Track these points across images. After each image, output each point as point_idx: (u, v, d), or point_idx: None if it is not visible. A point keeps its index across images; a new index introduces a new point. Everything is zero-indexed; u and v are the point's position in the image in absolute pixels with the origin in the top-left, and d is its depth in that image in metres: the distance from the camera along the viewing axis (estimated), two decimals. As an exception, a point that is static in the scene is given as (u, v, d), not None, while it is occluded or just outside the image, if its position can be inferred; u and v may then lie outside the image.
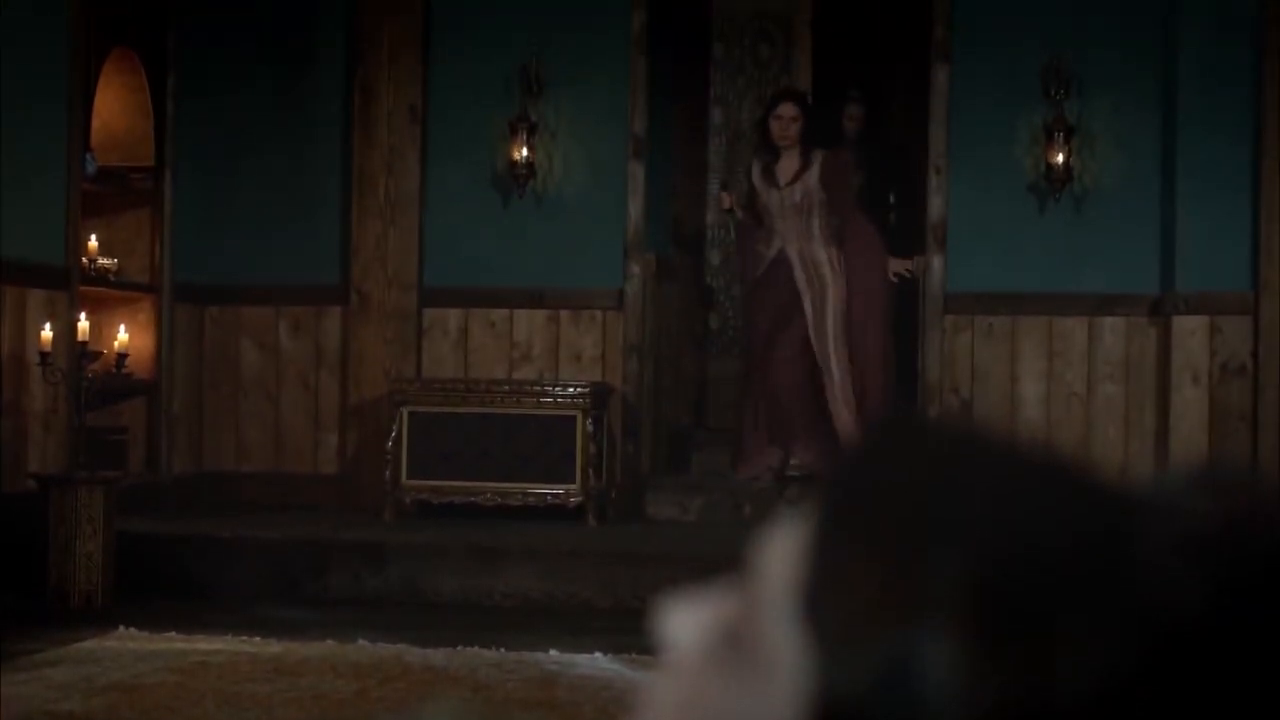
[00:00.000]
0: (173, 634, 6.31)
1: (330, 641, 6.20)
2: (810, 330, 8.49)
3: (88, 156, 8.06)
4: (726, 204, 8.83)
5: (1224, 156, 8.41)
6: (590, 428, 8.34)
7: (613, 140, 8.92)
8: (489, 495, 8.37)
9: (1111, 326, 8.69)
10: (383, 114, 8.98)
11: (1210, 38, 8.44)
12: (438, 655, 6.02)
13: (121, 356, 7.77)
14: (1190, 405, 8.49)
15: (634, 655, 6.00)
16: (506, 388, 8.57)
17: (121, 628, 6.38)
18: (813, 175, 8.52)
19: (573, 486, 8.32)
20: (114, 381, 7.93)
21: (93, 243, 8.27)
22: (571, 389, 8.43)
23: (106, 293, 8.42)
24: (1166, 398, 8.53)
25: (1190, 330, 8.50)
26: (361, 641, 6.19)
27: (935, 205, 8.82)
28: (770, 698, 0.64)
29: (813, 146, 8.56)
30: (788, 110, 8.52)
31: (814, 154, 8.56)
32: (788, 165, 8.55)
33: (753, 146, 9.01)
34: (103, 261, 8.34)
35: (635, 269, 8.91)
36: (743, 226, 8.82)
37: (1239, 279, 8.43)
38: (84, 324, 7.45)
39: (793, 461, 8.63)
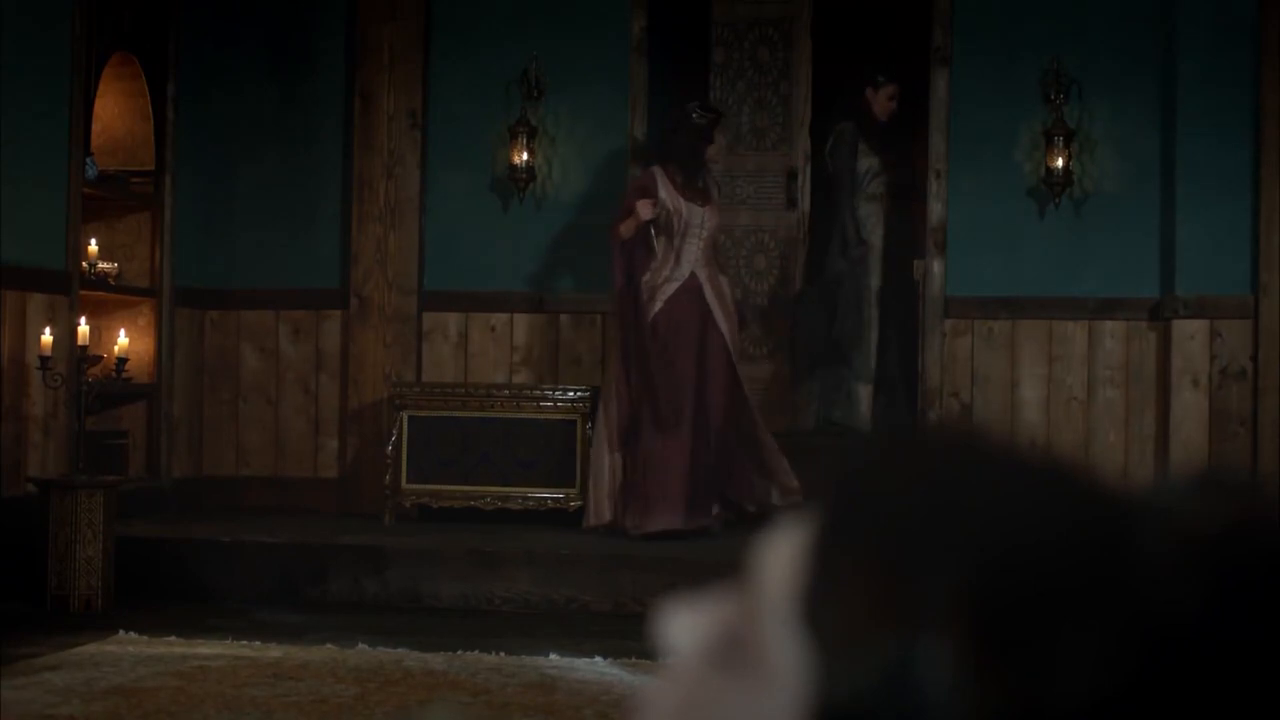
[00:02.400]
0: (173, 638, 6.31)
1: (330, 646, 6.20)
2: (734, 360, 7.98)
3: (88, 161, 8.07)
4: (650, 212, 7.90)
5: (1223, 160, 8.41)
6: (590, 432, 8.33)
7: (613, 145, 8.92)
8: (489, 499, 8.37)
9: (1111, 330, 8.69)
10: (383, 119, 8.99)
11: (1209, 42, 8.44)
12: (438, 659, 6.02)
13: (121, 361, 7.77)
14: (1190, 409, 8.49)
15: (634, 659, 6.01)
16: (506, 392, 8.56)
17: (121, 632, 6.38)
18: (716, 200, 8.17)
19: (572, 490, 8.31)
20: (114, 386, 7.93)
21: (93, 247, 8.26)
22: (571, 393, 8.42)
23: (107, 297, 8.42)
24: (1166, 402, 8.53)
25: (1190, 334, 8.50)
26: (361, 646, 6.19)
27: (935, 209, 8.82)
28: (770, 702, 0.64)
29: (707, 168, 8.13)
30: (721, 132, 8.18)
31: (708, 178, 8.15)
32: (694, 183, 8.06)
33: (656, 155, 8.26)
34: (103, 265, 8.34)
35: (635, 273, 8.90)
36: (627, 243, 7.99)
37: (1239, 283, 8.43)
38: (84, 328, 7.45)
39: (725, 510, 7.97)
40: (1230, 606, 0.63)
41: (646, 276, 7.95)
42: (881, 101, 9.26)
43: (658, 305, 7.91)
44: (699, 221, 7.94)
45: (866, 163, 9.27)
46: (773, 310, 9.40)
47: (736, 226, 9.40)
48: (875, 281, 9.29)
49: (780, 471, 7.98)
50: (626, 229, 7.92)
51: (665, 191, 7.91)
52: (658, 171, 7.99)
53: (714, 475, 7.92)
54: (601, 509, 8.02)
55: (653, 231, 7.96)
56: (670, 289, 7.92)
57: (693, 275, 7.93)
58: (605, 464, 8.03)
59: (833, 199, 9.31)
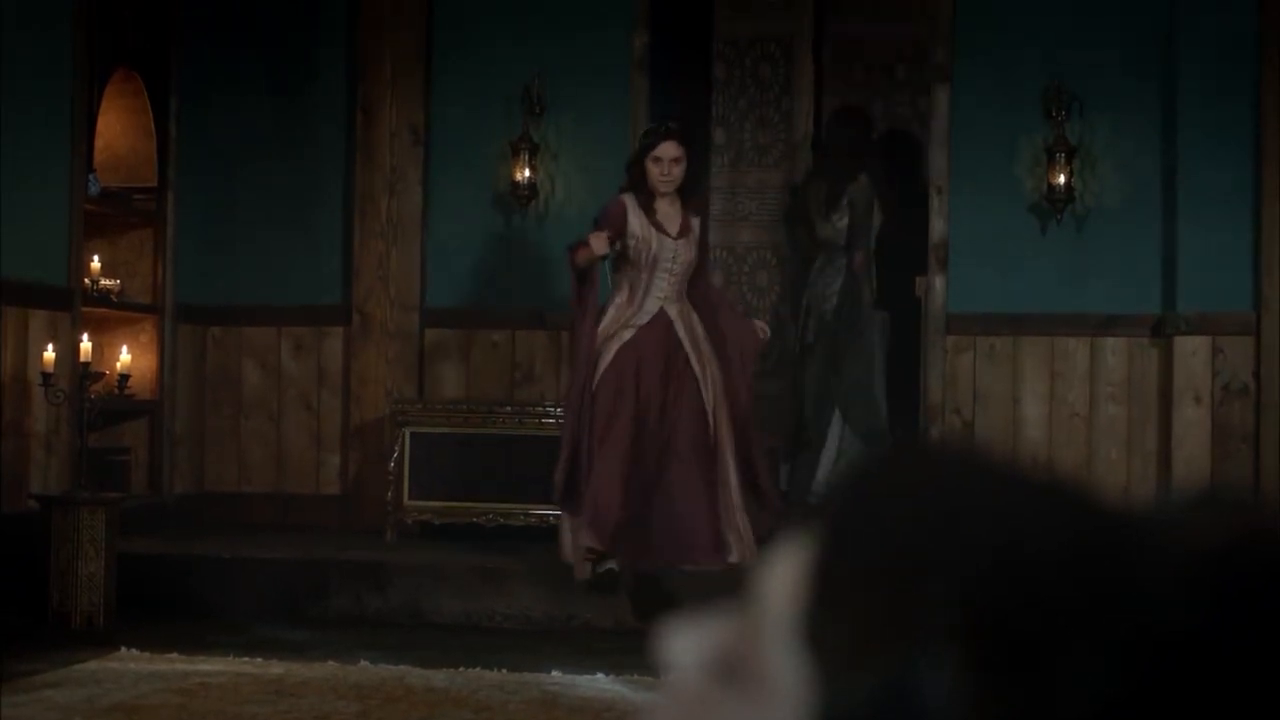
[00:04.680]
0: (174, 655, 6.30)
1: (332, 662, 6.19)
2: (709, 414, 7.16)
3: (90, 177, 8.08)
4: (605, 248, 7.15)
5: (1225, 176, 8.41)
6: (592, 448, 8.31)
7: (614, 161, 8.91)
8: (491, 516, 8.36)
9: (1113, 347, 8.69)
10: (385, 135, 8.99)
11: (1211, 57, 8.45)
12: (440, 676, 6.02)
13: (124, 377, 7.77)
14: (1192, 426, 8.48)
15: (636, 676, 6.00)
16: (508, 408, 8.56)
17: (123, 648, 6.38)
18: (697, 229, 7.37)
19: (574, 507, 8.30)
20: (116, 402, 7.93)
21: (95, 263, 8.27)
22: (573, 409, 8.40)
23: (109, 313, 8.43)
24: (1168, 418, 8.53)
25: (1192, 350, 8.50)
26: (363, 662, 6.18)
27: (936, 226, 8.82)
28: (771, 718, 0.65)
29: (687, 194, 7.36)
30: (670, 150, 7.22)
31: (689, 204, 7.38)
32: (670, 212, 7.30)
33: (623, 186, 7.43)
34: (105, 282, 8.35)
35: (637, 289, 8.88)
36: (586, 273, 7.24)
37: (1240, 299, 8.43)
38: (86, 344, 7.45)
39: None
40: (1231, 619, 0.63)
41: (604, 323, 7.22)
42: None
43: (606, 361, 7.17)
44: (670, 255, 7.22)
45: (878, 220, 9.11)
46: (776, 327, 9.38)
47: (738, 243, 9.40)
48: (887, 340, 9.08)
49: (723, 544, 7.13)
50: (582, 258, 7.18)
51: (635, 219, 7.23)
52: (628, 199, 7.29)
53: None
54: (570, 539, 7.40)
55: (607, 266, 7.35)
56: (627, 335, 7.18)
57: (661, 311, 7.22)
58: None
59: (850, 261, 9.05)
